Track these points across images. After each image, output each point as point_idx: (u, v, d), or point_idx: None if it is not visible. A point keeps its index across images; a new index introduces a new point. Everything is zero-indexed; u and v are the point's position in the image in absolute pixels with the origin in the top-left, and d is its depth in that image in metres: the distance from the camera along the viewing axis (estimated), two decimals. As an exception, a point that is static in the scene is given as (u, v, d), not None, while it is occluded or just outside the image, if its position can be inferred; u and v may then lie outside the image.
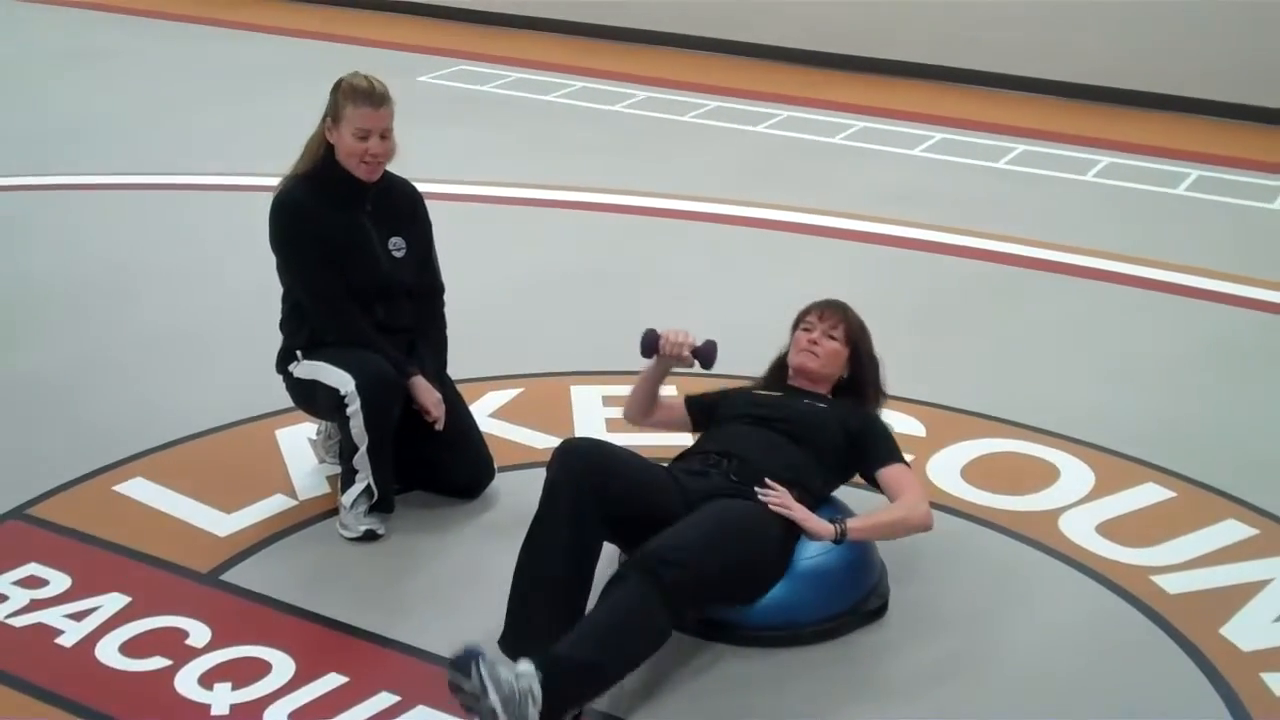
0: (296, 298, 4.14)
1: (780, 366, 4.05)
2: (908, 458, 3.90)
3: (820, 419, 3.82)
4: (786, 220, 6.89)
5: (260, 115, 8.47)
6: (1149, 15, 9.08)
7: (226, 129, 8.35)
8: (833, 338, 3.93)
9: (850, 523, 3.57)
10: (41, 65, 9.81)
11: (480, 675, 3.00)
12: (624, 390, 4.74)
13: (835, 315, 3.96)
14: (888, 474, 3.75)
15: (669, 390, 4.07)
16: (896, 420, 4.20)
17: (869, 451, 3.79)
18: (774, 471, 3.61)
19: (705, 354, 3.87)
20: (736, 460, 3.64)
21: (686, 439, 4.04)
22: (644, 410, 4.03)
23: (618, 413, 4.65)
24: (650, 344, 3.87)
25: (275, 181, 4.14)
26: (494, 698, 2.98)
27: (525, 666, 3.04)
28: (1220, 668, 3.51)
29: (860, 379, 3.97)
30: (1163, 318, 5.85)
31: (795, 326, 4.02)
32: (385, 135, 4.03)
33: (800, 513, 3.54)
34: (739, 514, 3.49)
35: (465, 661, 3.03)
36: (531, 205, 7.14)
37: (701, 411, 4.01)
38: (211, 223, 6.74)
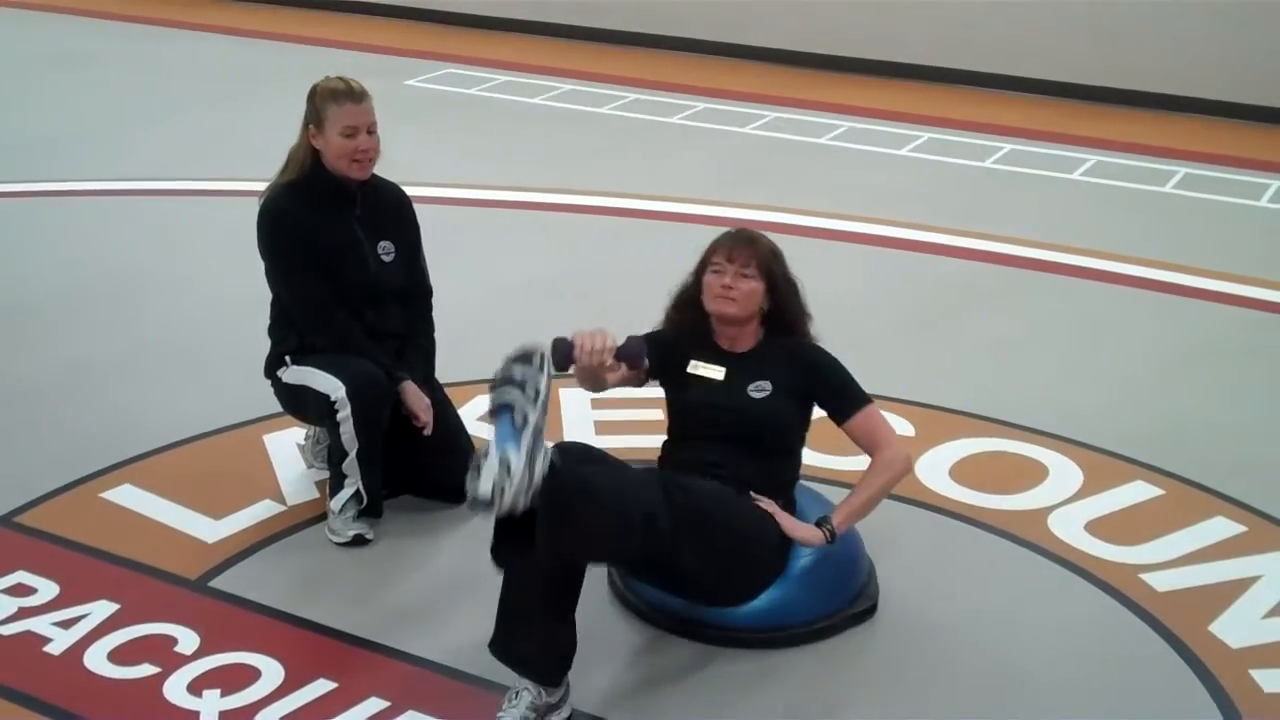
0: (285, 303, 4.13)
1: (699, 312, 3.70)
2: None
3: (774, 416, 3.62)
4: (774, 221, 6.87)
5: (246, 119, 8.46)
6: (1136, 14, 9.09)
7: (213, 134, 8.34)
8: (746, 276, 3.61)
9: (835, 519, 3.55)
10: (24, 70, 9.80)
11: (542, 362, 3.02)
12: (613, 393, 4.75)
13: (745, 252, 3.63)
14: (854, 426, 3.62)
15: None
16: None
17: (827, 407, 3.66)
18: (750, 484, 3.58)
19: (630, 354, 3.51)
20: (715, 470, 3.58)
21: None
22: (594, 385, 3.68)
23: (607, 416, 4.67)
24: (564, 354, 3.39)
25: (262, 186, 4.13)
26: (544, 384, 2.99)
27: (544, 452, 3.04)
28: (1209, 665, 3.52)
29: (782, 307, 3.69)
30: (1150, 316, 5.86)
31: (703, 267, 3.69)
32: (371, 130, 4.04)
33: (787, 522, 3.53)
34: (745, 502, 3.50)
35: (530, 353, 3.06)
36: (520, 208, 7.14)
37: (659, 362, 3.72)
38: (199, 228, 6.72)
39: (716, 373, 3.68)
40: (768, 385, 3.63)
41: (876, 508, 3.64)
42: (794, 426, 3.70)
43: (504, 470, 2.95)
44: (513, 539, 3.15)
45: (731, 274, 3.62)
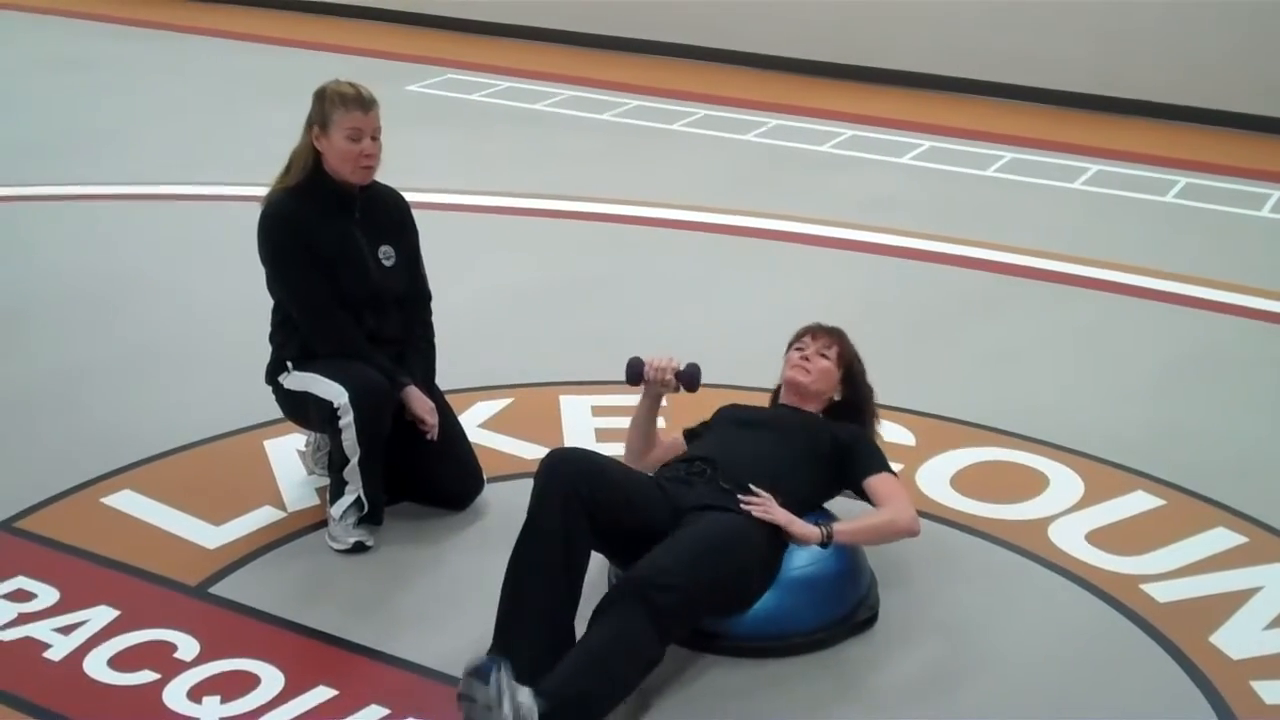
0: (287, 309, 4.13)
1: (775, 393, 4.09)
2: (897, 467, 3.90)
3: (809, 425, 3.85)
4: (776, 229, 6.90)
5: (245, 124, 8.47)
6: (1137, 23, 9.11)
7: (211, 138, 8.34)
8: (825, 356, 3.95)
9: (836, 526, 3.58)
10: (24, 74, 9.79)
11: (499, 684, 2.98)
12: (613, 400, 4.76)
13: (829, 337, 3.99)
14: (874, 484, 3.74)
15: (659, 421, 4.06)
16: (886, 429, 4.20)
17: (856, 462, 3.78)
18: (757, 476, 3.60)
19: (689, 377, 3.88)
20: (720, 466, 3.64)
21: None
22: (645, 446, 4.00)
23: (607, 423, 4.67)
24: (636, 372, 3.90)
25: (262, 191, 4.13)
26: (508, 709, 2.97)
27: (526, 697, 3.02)
28: (1210, 676, 3.51)
29: (855, 403, 3.99)
30: (1152, 325, 5.86)
31: (789, 348, 4.03)
32: (376, 136, 4.04)
33: (784, 517, 3.53)
34: (724, 528, 3.47)
35: (485, 670, 3.01)
36: (520, 214, 7.14)
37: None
38: (199, 233, 6.72)
39: (765, 407, 4.00)
40: (814, 415, 3.90)
41: (872, 541, 3.71)
42: (817, 445, 3.79)
43: None
44: None
45: (813, 351, 3.96)
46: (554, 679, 3.12)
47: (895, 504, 3.68)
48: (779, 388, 4.08)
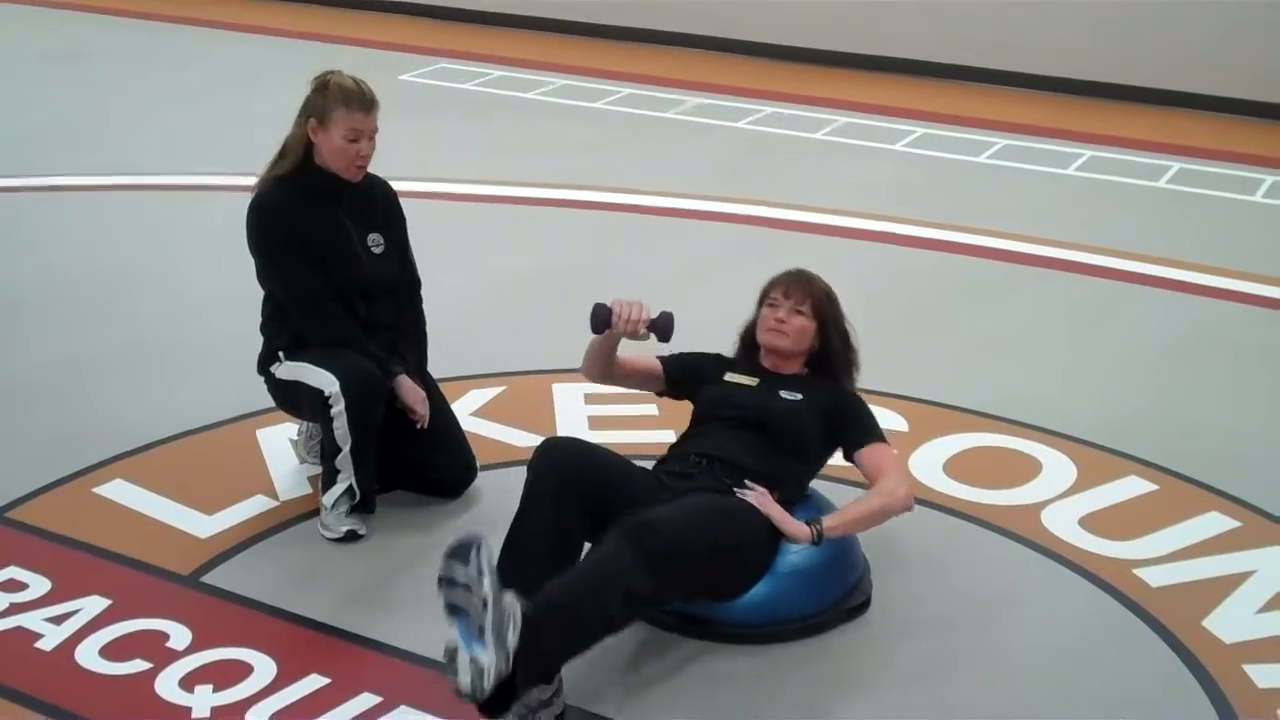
0: (279, 300, 4.12)
1: (751, 342, 3.92)
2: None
3: (797, 417, 3.72)
4: (769, 216, 6.89)
5: (238, 115, 8.44)
6: (1129, 9, 9.10)
7: (205, 129, 8.32)
8: (800, 313, 3.79)
9: (826, 522, 3.54)
10: (19, 65, 9.77)
11: (480, 561, 2.92)
12: (607, 388, 4.75)
13: (801, 289, 3.81)
14: (865, 456, 3.69)
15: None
16: (879, 415, 4.18)
17: (846, 433, 3.74)
18: (756, 474, 3.59)
19: (662, 327, 3.68)
20: (719, 462, 3.61)
21: (670, 436, 4.03)
22: (603, 372, 3.87)
23: (600, 411, 4.66)
24: (602, 319, 3.67)
25: (253, 182, 4.12)
26: (488, 587, 2.90)
27: (510, 595, 2.97)
28: (1203, 660, 3.51)
29: (829, 351, 3.84)
30: (1145, 311, 5.86)
31: (761, 301, 3.89)
32: (372, 137, 4.03)
33: (778, 514, 3.52)
34: (726, 503, 3.48)
35: (465, 548, 2.95)
36: (513, 203, 7.13)
37: (680, 375, 3.91)
38: (191, 223, 6.71)
39: (751, 381, 3.83)
40: (799, 396, 3.76)
41: (865, 528, 3.66)
42: (812, 438, 3.74)
43: (477, 670, 2.93)
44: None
45: (786, 309, 3.80)
46: (539, 594, 3.08)
47: (885, 483, 3.62)
48: (751, 333, 3.90)
